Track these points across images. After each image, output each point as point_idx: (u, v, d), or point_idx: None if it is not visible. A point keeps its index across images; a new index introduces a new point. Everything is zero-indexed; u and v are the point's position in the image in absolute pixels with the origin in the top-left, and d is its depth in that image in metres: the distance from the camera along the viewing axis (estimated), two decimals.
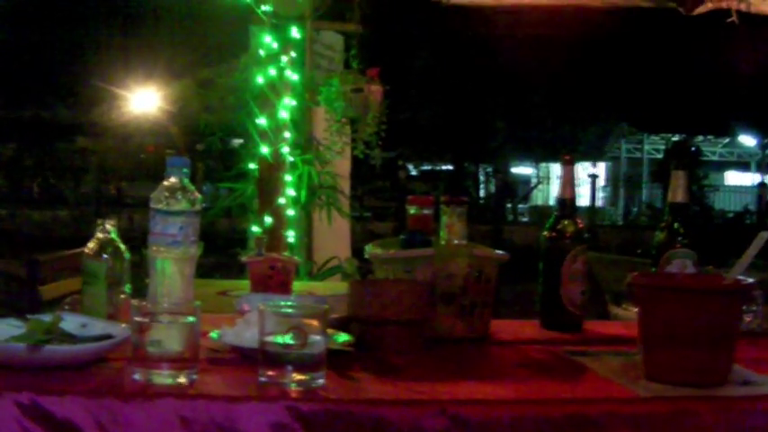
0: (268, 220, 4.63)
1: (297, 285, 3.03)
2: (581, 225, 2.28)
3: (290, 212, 4.72)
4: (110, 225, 1.99)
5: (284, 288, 2.69)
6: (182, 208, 1.78)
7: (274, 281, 2.70)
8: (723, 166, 31.21)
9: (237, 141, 5.71)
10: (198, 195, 1.81)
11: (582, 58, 20.61)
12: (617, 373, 1.77)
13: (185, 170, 1.81)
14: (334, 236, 5.42)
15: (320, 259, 5.39)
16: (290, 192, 4.73)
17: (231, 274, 4.90)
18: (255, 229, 4.69)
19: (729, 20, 4.16)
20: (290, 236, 4.73)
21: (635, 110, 24.58)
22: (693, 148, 27.43)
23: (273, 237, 4.54)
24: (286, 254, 4.26)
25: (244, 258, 2.89)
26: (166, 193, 1.79)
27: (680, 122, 26.07)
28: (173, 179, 1.81)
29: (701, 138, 29.52)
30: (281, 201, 4.67)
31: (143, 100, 15.78)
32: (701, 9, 4.24)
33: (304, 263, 4.87)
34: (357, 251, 5.62)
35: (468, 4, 5.53)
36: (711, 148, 30.71)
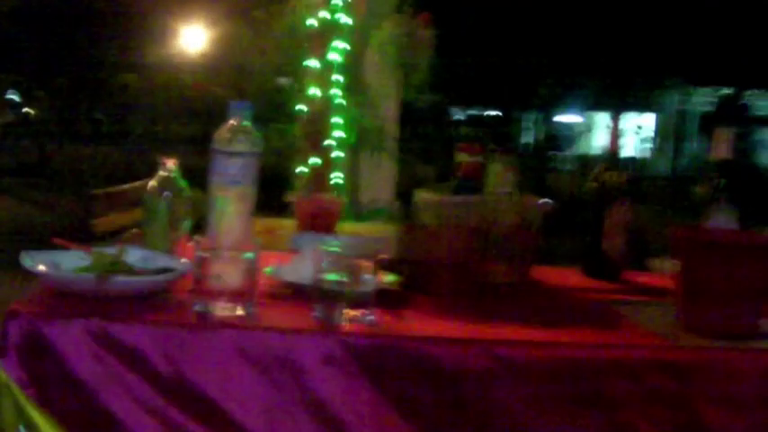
0: (315, 160, 4.67)
1: (342, 226, 3.06)
2: (626, 176, 2.32)
3: (338, 154, 4.76)
4: (171, 163, 2.05)
5: (329, 228, 2.71)
6: (243, 149, 1.84)
7: (320, 220, 2.73)
8: None
9: (285, 81, 5.73)
10: (258, 137, 1.87)
11: (633, 8, 20.30)
12: (655, 323, 1.83)
13: (247, 113, 1.87)
14: (380, 178, 5.46)
15: (365, 201, 5.43)
16: (338, 134, 4.75)
17: (271, 213, 4.95)
18: (302, 169, 4.73)
19: None
20: (337, 177, 4.77)
21: (685, 62, 24.16)
22: (744, 102, 26.96)
23: (320, 177, 4.58)
24: (332, 194, 4.33)
25: (291, 198, 2.93)
26: (228, 134, 1.85)
27: (730, 75, 25.56)
28: (234, 121, 1.86)
29: (752, 91, 28.92)
30: (329, 142, 4.70)
31: (192, 39, 15.84)
32: None
33: (349, 204, 4.91)
34: (402, 194, 5.67)
35: None
36: (764, 101, 30.09)
